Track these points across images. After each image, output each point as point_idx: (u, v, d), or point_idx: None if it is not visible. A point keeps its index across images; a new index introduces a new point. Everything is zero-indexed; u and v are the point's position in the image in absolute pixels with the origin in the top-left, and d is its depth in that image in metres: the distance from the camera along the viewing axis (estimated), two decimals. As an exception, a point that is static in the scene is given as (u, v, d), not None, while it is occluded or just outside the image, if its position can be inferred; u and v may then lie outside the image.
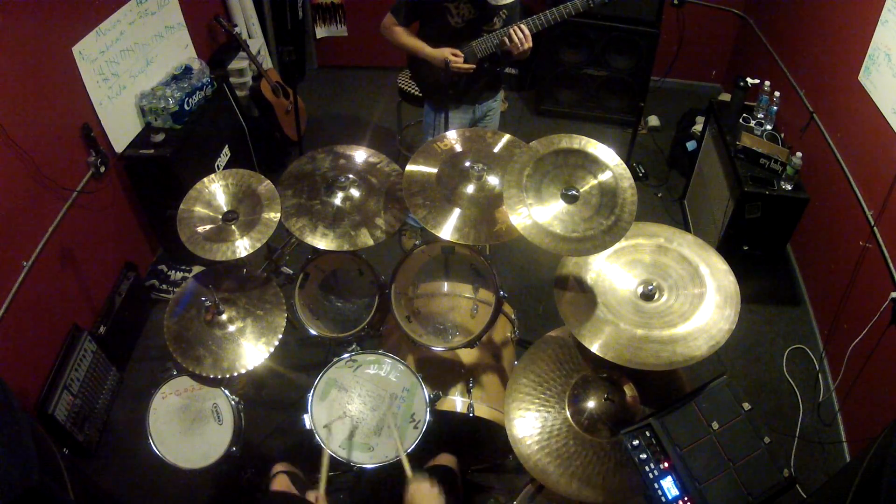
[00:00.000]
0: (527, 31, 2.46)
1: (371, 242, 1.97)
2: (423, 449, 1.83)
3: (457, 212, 1.88)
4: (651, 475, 1.43)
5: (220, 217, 1.94)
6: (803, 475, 2.48)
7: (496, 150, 2.03)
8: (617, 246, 1.68)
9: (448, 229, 1.85)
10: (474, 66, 2.58)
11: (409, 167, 1.97)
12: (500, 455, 2.33)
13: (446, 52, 2.54)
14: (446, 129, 2.63)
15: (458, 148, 2.04)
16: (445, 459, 1.91)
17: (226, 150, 3.46)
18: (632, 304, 1.67)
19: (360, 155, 2.17)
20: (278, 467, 1.89)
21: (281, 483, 1.84)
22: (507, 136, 2.07)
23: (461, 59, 2.56)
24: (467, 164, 1.96)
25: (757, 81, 3.13)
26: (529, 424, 1.69)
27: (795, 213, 2.88)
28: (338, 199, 2.04)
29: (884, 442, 1.53)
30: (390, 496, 1.62)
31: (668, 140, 4.26)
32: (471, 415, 2.01)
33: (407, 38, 2.66)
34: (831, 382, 2.77)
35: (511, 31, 2.46)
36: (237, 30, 3.79)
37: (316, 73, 4.95)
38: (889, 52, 2.49)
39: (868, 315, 2.45)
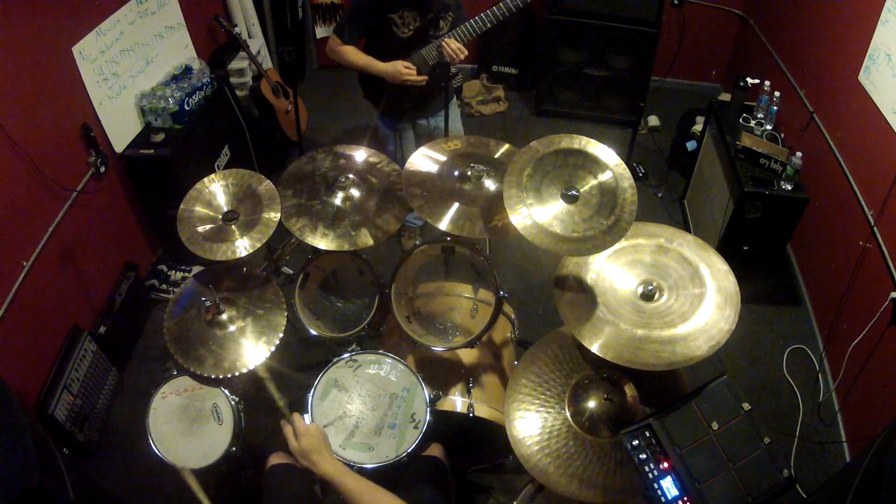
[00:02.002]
0: (456, 45, 2.49)
1: (371, 242, 1.97)
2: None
3: (455, 205, 1.88)
4: (651, 475, 1.43)
5: (220, 217, 1.94)
6: (803, 475, 2.48)
7: (496, 156, 2.04)
8: (617, 246, 1.68)
9: (445, 220, 1.85)
10: (427, 77, 2.57)
11: (412, 160, 1.98)
12: (500, 455, 2.33)
13: (398, 66, 2.53)
14: (402, 143, 2.63)
15: (459, 152, 2.04)
16: (434, 450, 1.91)
17: (226, 150, 3.46)
18: (632, 304, 1.67)
19: (360, 155, 2.17)
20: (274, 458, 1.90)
21: (277, 458, 1.86)
22: (506, 146, 2.07)
23: (414, 72, 2.55)
24: (466, 166, 1.97)
25: (757, 81, 3.13)
26: (529, 425, 1.69)
27: (795, 213, 2.88)
28: (338, 199, 2.04)
29: (884, 442, 1.53)
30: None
31: (668, 140, 4.26)
32: (471, 415, 2.01)
33: (355, 56, 2.62)
34: (831, 382, 2.77)
35: (443, 44, 2.50)
36: (237, 30, 3.79)
37: (316, 73, 4.96)
38: (889, 52, 2.49)
39: (868, 315, 2.45)
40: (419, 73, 2.56)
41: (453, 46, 2.48)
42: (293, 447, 1.46)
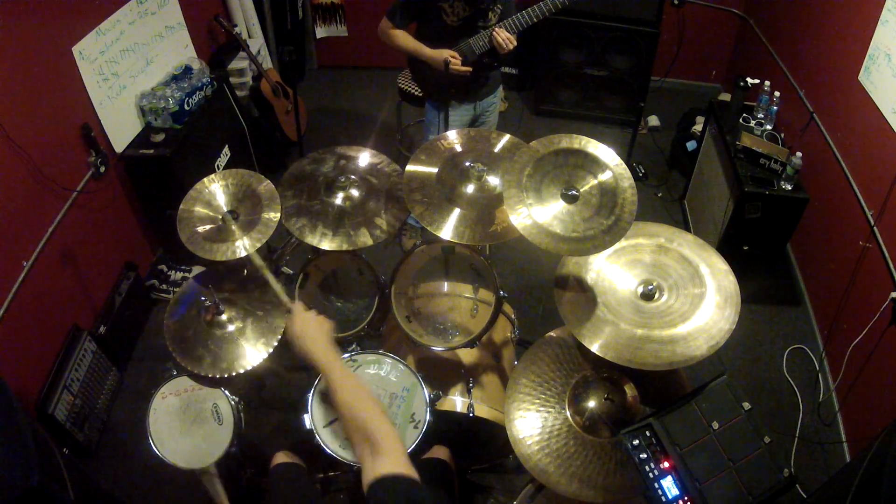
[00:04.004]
0: (506, 34, 2.52)
1: (371, 242, 1.97)
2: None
3: (455, 211, 1.88)
4: (651, 475, 1.43)
5: (220, 217, 1.94)
6: (803, 475, 2.48)
7: (497, 150, 2.04)
8: (617, 246, 1.68)
9: (445, 228, 1.85)
10: (471, 68, 2.60)
11: (411, 164, 1.98)
12: (500, 455, 2.33)
13: (445, 54, 2.57)
14: (447, 127, 2.64)
15: (460, 148, 2.04)
16: (439, 452, 1.91)
17: (226, 150, 3.46)
18: (632, 304, 1.67)
19: (361, 155, 2.17)
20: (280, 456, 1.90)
21: (281, 457, 1.87)
22: (507, 136, 2.07)
23: (460, 61, 2.58)
24: (467, 163, 1.97)
25: (757, 81, 3.13)
26: (530, 424, 1.69)
27: (795, 213, 2.88)
28: (338, 200, 2.04)
29: (884, 442, 1.53)
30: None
31: (668, 140, 4.26)
32: (471, 415, 2.01)
33: (405, 40, 2.68)
34: (831, 382, 2.77)
35: (493, 34, 2.53)
36: (237, 30, 3.78)
37: (316, 73, 4.95)
38: (889, 52, 2.49)
39: (868, 315, 2.45)
40: (466, 63, 2.61)
41: (503, 36, 2.52)
42: (289, 330, 1.48)
